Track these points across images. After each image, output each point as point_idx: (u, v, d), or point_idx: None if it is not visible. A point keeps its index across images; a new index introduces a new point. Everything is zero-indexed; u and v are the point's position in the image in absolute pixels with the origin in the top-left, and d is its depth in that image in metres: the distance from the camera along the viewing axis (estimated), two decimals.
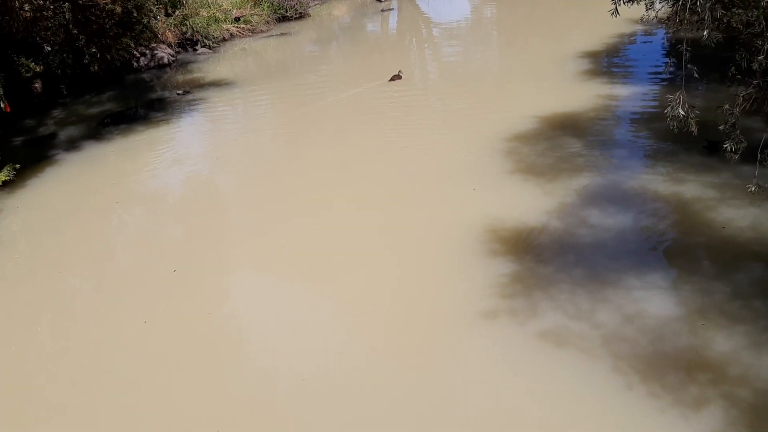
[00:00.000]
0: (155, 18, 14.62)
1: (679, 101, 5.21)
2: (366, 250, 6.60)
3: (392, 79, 12.06)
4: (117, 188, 8.96)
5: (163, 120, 11.45)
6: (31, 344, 5.87)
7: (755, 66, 5.16)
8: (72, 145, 10.46)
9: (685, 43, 5.25)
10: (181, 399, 4.94)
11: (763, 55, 5.07)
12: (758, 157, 5.38)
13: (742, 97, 5.42)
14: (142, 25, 13.69)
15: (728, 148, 5.29)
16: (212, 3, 16.85)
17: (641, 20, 8.05)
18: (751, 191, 5.35)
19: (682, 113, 5.19)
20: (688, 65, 5.16)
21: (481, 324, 5.28)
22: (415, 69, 13.50)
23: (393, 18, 19.01)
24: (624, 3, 6.00)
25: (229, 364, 5.29)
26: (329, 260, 6.51)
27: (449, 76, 12.40)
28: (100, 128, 11.12)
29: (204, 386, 5.03)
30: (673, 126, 5.33)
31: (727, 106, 5.33)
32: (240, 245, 7.11)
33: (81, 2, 12.72)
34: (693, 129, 5.29)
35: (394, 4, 20.01)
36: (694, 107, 5.29)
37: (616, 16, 5.81)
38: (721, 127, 5.36)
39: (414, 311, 5.59)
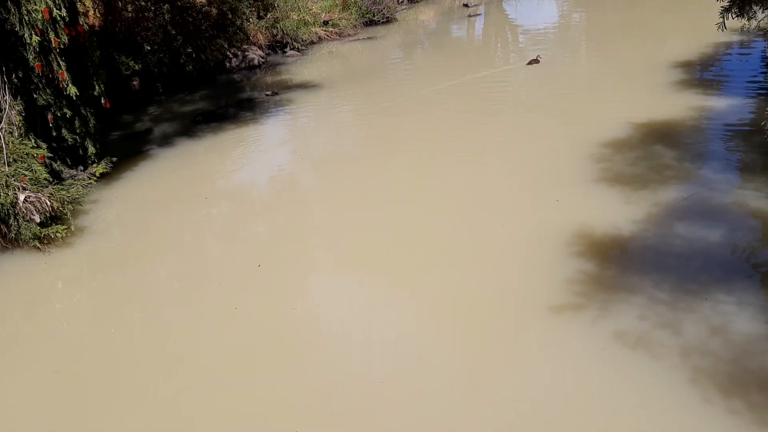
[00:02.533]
0: (248, 20, 15.14)
1: None
2: (447, 253, 6.58)
3: (530, 63, 12.83)
4: (206, 183, 9.30)
5: (251, 119, 11.77)
6: (120, 329, 6.12)
7: None
8: (165, 140, 10.89)
9: None
10: (261, 394, 5.03)
11: None
12: None
13: None
14: (235, 27, 14.21)
15: None
16: (302, 7, 17.20)
17: (741, 29, 7.74)
18: None
19: None
20: None
21: (561, 326, 5.22)
22: (502, 72, 13.37)
23: (479, 23, 18.90)
24: (733, 17, 5.82)
25: (310, 361, 5.36)
26: (410, 262, 6.53)
27: (535, 81, 12.22)
28: (192, 125, 11.53)
29: (285, 383, 5.11)
30: None
31: None
32: (323, 243, 7.24)
33: (180, 4, 13.32)
34: None
35: (481, 10, 19.89)
36: None
37: (722, 30, 5.63)
38: None
39: (498, 320, 5.53)
